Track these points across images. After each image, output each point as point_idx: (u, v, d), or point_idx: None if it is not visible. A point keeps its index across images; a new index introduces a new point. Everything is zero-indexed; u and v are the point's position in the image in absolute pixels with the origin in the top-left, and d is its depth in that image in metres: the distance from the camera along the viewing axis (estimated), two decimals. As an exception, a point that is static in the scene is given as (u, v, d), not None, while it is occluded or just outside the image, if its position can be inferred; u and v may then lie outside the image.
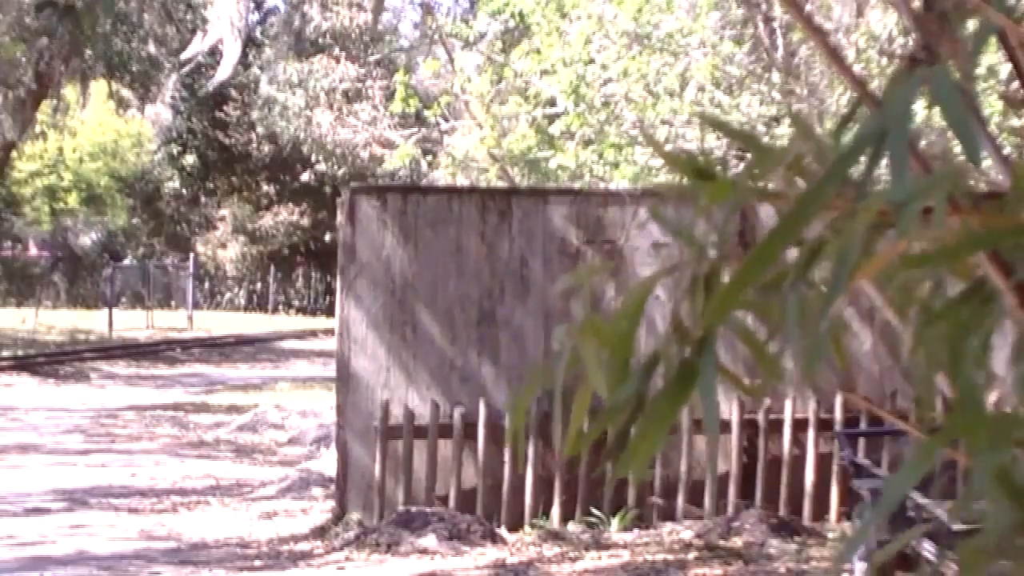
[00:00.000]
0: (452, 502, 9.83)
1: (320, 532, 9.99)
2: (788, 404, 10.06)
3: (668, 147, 12.78)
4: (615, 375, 1.34)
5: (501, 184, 15.72)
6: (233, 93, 46.49)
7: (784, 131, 12.68)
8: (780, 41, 12.75)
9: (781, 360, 1.34)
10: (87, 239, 51.74)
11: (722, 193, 1.33)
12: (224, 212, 52.46)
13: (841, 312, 1.30)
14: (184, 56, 25.89)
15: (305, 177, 39.87)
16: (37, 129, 36.89)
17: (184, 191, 52.40)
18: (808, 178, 1.30)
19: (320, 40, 36.23)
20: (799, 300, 1.23)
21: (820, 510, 10.03)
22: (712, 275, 1.30)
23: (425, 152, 21.12)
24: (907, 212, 1.14)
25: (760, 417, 10.08)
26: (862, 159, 1.23)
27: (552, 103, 14.89)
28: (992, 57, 9.75)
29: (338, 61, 34.46)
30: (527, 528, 9.77)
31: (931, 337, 1.28)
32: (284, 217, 51.06)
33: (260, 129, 45.54)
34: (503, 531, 9.62)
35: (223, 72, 25.36)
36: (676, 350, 1.31)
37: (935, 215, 1.20)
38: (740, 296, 1.24)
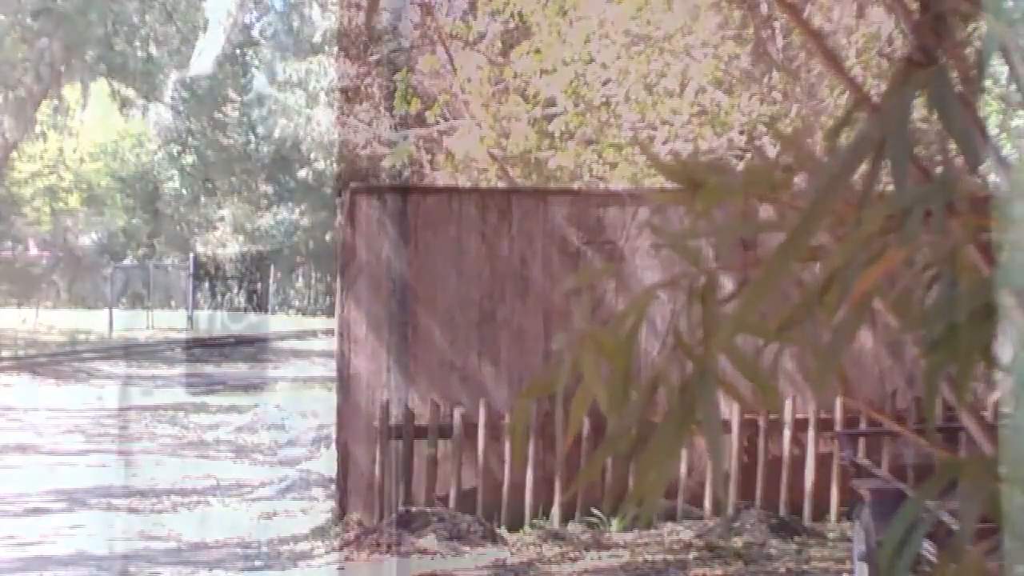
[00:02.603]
0: (452, 502, 9.82)
1: (320, 532, 9.98)
2: (788, 404, 10.06)
3: (668, 146, 12.77)
4: (615, 387, 1.35)
5: (501, 184, 15.69)
6: (232, 93, 46.42)
7: (785, 130, 12.63)
8: (780, 42, 12.73)
9: (777, 385, 1.35)
10: (87, 239, 51.69)
11: (716, 197, 1.33)
12: (224, 212, 52.40)
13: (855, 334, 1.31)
14: (193, 58, 25.85)
15: (303, 173, 39.82)
16: (37, 129, 36.85)
17: (184, 191, 52.34)
18: (800, 194, 1.30)
19: (319, 39, 36.20)
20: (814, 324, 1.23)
21: (820, 510, 10.02)
22: (709, 286, 1.30)
23: (425, 151, 21.08)
24: (911, 219, 1.14)
25: (760, 417, 10.08)
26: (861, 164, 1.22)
27: (552, 103, 14.87)
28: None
29: (336, 60, 34.42)
30: (527, 528, 9.76)
31: (937, 360, 1.28)
32: (284, 217, 51.01)
33: (260, 129, 45.49)
34: (503, 531, 9.61)
35: (204, 66, 25.23)
36: (676, 368, 1.31)
37: (934, 220, 1.20)
38: (748, 319, 1.24)
